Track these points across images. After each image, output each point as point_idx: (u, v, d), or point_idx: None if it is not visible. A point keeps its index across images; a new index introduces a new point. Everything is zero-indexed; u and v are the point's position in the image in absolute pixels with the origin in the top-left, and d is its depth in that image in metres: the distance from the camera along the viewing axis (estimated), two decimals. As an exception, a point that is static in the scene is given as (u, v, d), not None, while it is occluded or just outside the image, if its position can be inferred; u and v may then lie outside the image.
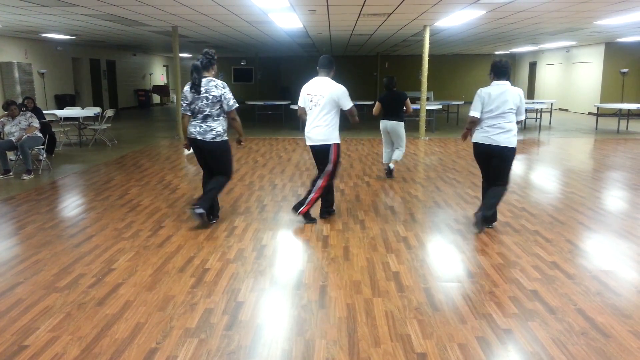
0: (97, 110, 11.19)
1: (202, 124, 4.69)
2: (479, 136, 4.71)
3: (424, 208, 5.66)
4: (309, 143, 4.95)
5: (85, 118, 11.48)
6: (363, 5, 8.76)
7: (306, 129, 4.95)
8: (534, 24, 11.86)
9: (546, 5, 8.82)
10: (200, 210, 4.72)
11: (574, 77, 19.62)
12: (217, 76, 4.79)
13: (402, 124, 7.04)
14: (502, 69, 4.64)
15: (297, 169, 7.92)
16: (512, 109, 4.58)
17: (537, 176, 7.49)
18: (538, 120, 14.07)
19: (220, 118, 4.71)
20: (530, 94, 23.77)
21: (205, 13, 9.66)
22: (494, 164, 4.69)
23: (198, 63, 4.66)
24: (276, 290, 3.47)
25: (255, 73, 26.14)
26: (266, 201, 5.94)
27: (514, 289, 3.48)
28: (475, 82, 25.75)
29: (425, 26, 11.72)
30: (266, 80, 26.07)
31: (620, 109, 13.80)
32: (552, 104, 15.49)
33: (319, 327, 2.96)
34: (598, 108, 14.88)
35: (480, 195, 6.22)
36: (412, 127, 13.44)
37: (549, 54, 21.79)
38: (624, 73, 17.69)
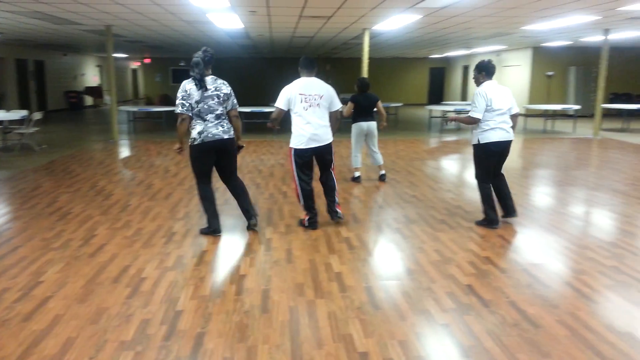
0: (24, 113, 10.55)
1: (221, 123, 4.48)
2: (497, 135, 4.77)
3: (365, 208, 5.74)
4: (313, 145, 4.70)
5: (11, 121, 10.78)
6: (303, 7, 8.79)
7: (307, 131, 4.68)
8: (467, 29, 12.36)
9: (477, 10, 9.22)
10: (255, 221, 4.80)
11: (504, 79, 20.60)
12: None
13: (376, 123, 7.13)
14: (493, 69, 4.85)
15: (239, 172, 7.78)
16: (511, 106, 4.86)
17: (471, 175, 7.78)
18: (472, 121, 14.65)
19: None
20: (463, 96, 24.75)
21: (140, 12, 9.35)
22: (503, 158, 4.97)
23: (199, 59, 4.35)
24: (217, 296, 3.40)
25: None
26: (207, 205, 5.81)
27: (450, 284, 3.60)
28: (413, 84, 26.49)
29: (364, 29, 11.92)
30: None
31: (547, 110, 14.64)
32: (485, 105, 16.15)
33: (261, 332, 2.93)
34: (526, 109, 15.73)
35: (423, 195, 6.38)
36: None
37: (480, 57, 22.75)
38: (549, 76, 18.78)
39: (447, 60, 26.69)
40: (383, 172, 7.28)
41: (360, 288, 3.54)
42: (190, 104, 4.36)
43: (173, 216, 5.36)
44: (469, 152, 10.08)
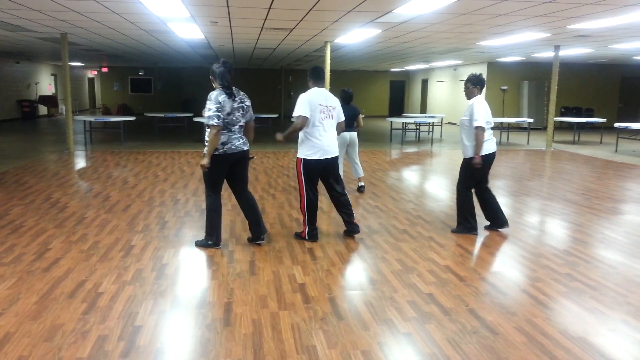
0: (-28, 122, 10.09)
1: (242, 135, 4.46)
2: (490, 146, 4.99)
3: (328, 219, 5.76)
4: (327, 157, 4.69)
5: (-43, 131, 10.28)
6: (265, 19, 8.82)
7: (324, 142, 4.65)
8: (425, 44, 12.69)
9: (435, 26, 9.49)
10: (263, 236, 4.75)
11: (460, 93, 21.19)
12: None
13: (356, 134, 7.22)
14: (485, 83, 5.00)
15: (201, 183, 7.70)
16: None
17: (430, 185, 7.96)
18: (430, 133, 15.01)
19: None
20: (422, 109, 25.32)
21: (97, 20, 9.14)
22: (489, 168, 5.14)
23: (224, 69, 4.30)
24: (178, 311, 3.33)
25: (155, 84, 25.17)
26: (167, 217, 5.70)
27: (412, 294, 3.65)
28: (374, 97, 26.91)
29: (326, 42, 12.05)
30: (166, 92, 25.16)
31: (502, 123, 15.14)
32: (442, 118, 16.63)
33: (223, 346, 2.88)
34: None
35: (385, 205, 6.46)
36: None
37: (438, 71, 23.40)
38: (504, 90, 19.48)
39: (407, 73, 27.28)
40: (362, 184, 7.37)
41: (324, 299, 3.54)
42: (223, 115, 4.27)
43: (132, 229, 5.23)
44: (428, 163, 10.33)
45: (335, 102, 4.82)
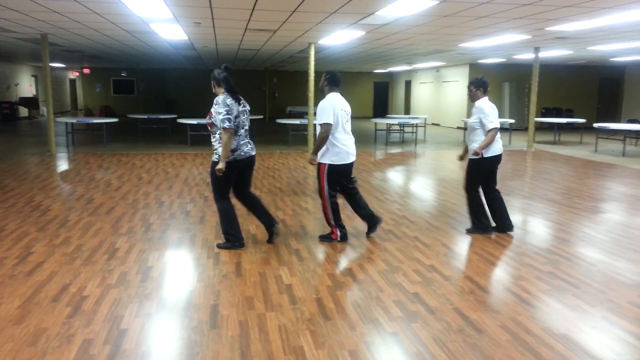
0: (-51, 124, 9.88)
1: (249, 139, 4.48)
2: (499, 147, 5.04)
3: (314, 220, 5.78)
4: (351, 160, 4.78)
5: None
6: (249, 20, 8.80)
7: (349, 146, 4.72)
8: (408, 45, 12.79)
9: (417, 28, 9.57)
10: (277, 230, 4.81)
11: (443, 94, 21.42)
12: None
13: None
14: (488, 85, 5.11)
15: (185, 185, 7.66)
16: None
17: (415, 186, 8.03)
18: (414, 134, 15.13)
19: None
20: (406, 110, 25.49)
21: (78, 20, 9.03)
22: (497, 169, 5.18)
23: (227, 74, 4.33)
24: (164, 313, 3.31)
25: (138, 85, 24.91)
26: (152, 219, 5.66)
27: (397, 293, 3.68)
28: (358, 98, 27.00)
29: (310, 43, 12.07)
30: (149, 93, 24.92)
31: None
32: (425, 119, 16.79)
33: (210, 348, 2.88)
34: (465, 123, 16.39)
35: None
36: (300, 141, 13.71)
37: (421, 73, 23.58)
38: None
39: (391, 75, 27.44)
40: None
41: (311, 299, 3.56)
42: (231, 117, 4.26)
43: (116, 232, 5.18)
44: (412, 164, 10.41)
45: (348, 107, 4.90)
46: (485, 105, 4.99)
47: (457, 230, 5.40)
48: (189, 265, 4.25)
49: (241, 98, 4.47)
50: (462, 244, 4.94)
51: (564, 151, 12.79)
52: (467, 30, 9.92)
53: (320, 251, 4.66)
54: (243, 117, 4.42)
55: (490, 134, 4.94)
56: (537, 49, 13.01)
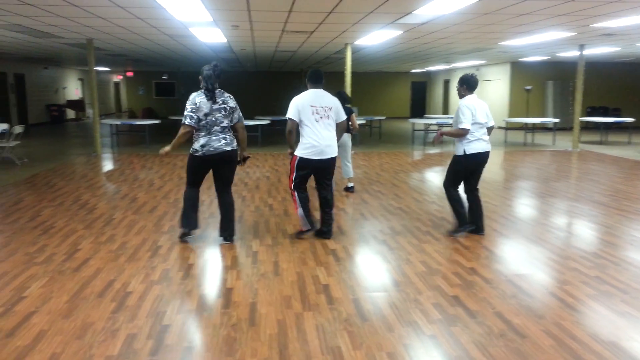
0: (5, 126, 10.39)
1: (224, 136, 4.57)
2: (479, 145, 4.92)
3: (351, 220, 5.77)
4: (322, 157, 4.74)
5: (-10, 135, 10.61)
6: (286, 22, 8.87)
7: (320, 143, 4.70)
8: (447, 44, 12.59)
9: (457, 26, 9.41)
10: (232, 240, 4.88)
11: (484, 93, 20.97)
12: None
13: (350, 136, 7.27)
14: (475, 83, 4.96)
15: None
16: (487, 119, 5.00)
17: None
18: (454, 134, 14.86)
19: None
20: (445, 109, 25.11)
21: (122, 25, 9.33)
22: (482, 169, 5.08)
23: (211, 72, 4.45)
24: (204, 310, 3.38)
25: (178, 87, 25.52)
26: (192, 219, 5.77)
27: (436, 296, 3.63)
28: (395, 98, 26.79)
29: (346, 44, 12.06)
30: (189, 95, 25.41)
31: (526, 123, 14.93)
32: (466, 118, 16.39)
33: (249, 345, 2.92)
34: (506, 122, 16.02)
35: (408, 207, 6.44)
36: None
37: (461, 72, 23.15)
38: (528, 90, 19.19)
39: (429, 74, 27.08)
40: (351, 185, 7.40)
41: (348, 300, 3.55)
42: (198, 116, 4.45)
43: (158, 230, 5.32)
44: (452, 165, 10.23)
45: (331, 102, 4.86)
46: (463, 104, 4.92)
47: (498, 232, 5.28)
48: (227, 263, 4.32)
49: (222, 96, 4.55)
50: (504, 247, 4.82)
51: (611, 152, 12.30)
52: (508, 28, 9.68)
53: (357, 252, 4.65)
54: (219, 115, 4.51)
55: (458, 131, 4.89)
56: (582, 47, 12.56)
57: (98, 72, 24.95)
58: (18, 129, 10.26)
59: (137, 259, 4.39)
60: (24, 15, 8.10)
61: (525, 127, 15.10)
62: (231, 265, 4.28)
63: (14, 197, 6.93)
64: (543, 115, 19.19)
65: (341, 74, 13.26)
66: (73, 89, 24.30)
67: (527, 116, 19.02)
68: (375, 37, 10.99)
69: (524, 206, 6.53)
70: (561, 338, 3.01)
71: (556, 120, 14.97)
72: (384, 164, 10.26)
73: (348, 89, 12.29)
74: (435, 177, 8.76)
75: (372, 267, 4.28)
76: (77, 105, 23.36)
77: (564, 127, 18.05)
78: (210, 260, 4.38)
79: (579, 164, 10.42)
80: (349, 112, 7.06)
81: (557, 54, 15.58)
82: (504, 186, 7.91)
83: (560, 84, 18.83)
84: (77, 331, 3.06)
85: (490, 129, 5.04)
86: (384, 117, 18.23)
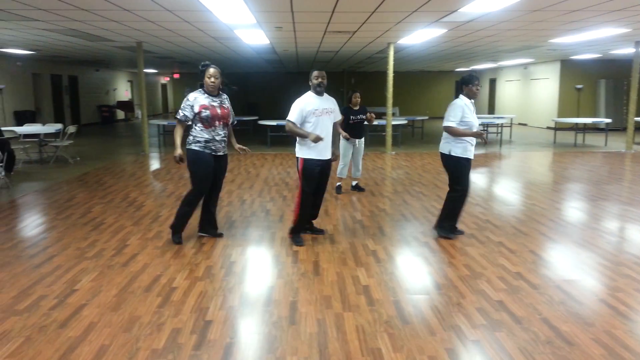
0: (59, 126, 10.90)
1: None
2: (472, 151, 4.88)
3: (392, 221, 5.72)
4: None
5: (46, 135, 11.14)
6: (328, 23, 8.89)
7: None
8: (493, 42, 12.28)
9: (504, 24, 9.16)
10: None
11: (532, 92, 20.33)
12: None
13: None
14: (467, 81, 4.84)
15: (265, 184, 7.89)
16: None
17: (499, 189, 7.69)
18: (499, 134, 14.49)
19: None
20: (490, 109, 24.50)
21: (170, 29, 9.60)
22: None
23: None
24: (245, 307, 3.43)
25: (222, 88, 26.00)
26: (235, 217, 5.88)
27: (480, 300, 3.54)
28: (439, 97, 26.37)
29: (389, 44, 11.96)
30: (233, 96, 25.83)
31: (577, 124, 14.37)
32: (512, 119, 16.01)
33: (289, 343, 2.94)
34: (556, 122, 15.46)
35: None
36: (378, 142, 13.62)
37: (507, 70, 22.55)
38: (579, 89, 18.46)
39: (474, 73, 26.50)
40: (356, 182, 7.45)
41: (388, 302, 3.52)
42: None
43: (202, 228, 5.43)
44: (496, 166, 9.98)
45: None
46: (454, 102, 4.81)
47: (546, 236, 5.11)
48: (268, 261, 4.37)
49: (220, 95, 4.71)
50: (553, 251, 4.65)
51: (669, 153, 11.66)
52: (558, 25, 9.34)
53: (398, 253, 4.60)
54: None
55: (449, 131, 4.77)
56: (637, 43, 11.97)
57: (146, 74, 25.77)
58: (71, 129, 10.74)
59: (182, 255, 4.51)
60: (78, 20, 8.47)
61: (576, 128, 14.53)
62: (272, 263, 4.32)
63: (67, 194, 7.25)
64: (595, 115, 18.41)
65: (383, 74, 13.17)
66: (123, 91, 25.22)
67: (578, 116, 18.30)
68: (419, 36, 10.85)
69: (574, 209, 6.28)
70: (612, 347, 2.88)
71: (608, 120, 14.32)
72: (426, 164, 10.11)
73: (390, 89, 12.20)
74: (479, 179, 8.56)
75: (413, 269, 4.22)
76: (127, 106, 24.22)
77: (617, 128, 17.26)
78: (252, 258, 4.45)
79: (633, 165, 9.94)
80: (364, 111, 7.12)
81: (610, 52, 14.92)
82: (553, 188, 7.64)
83: (614, 83, 18.02)
84: (124, 324, 3.17)
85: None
86: (426, 117, 17.98)
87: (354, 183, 7.45)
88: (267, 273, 4.10)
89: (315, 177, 4.74)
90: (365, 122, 7.11)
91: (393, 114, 13.25)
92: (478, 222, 5.66)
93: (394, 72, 12.26)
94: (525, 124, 20.78)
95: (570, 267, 4.21)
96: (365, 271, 4.12)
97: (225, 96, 4.90)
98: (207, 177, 4.66)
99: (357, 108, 7.03)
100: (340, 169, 7.18)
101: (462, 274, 4.05)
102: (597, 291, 3.70)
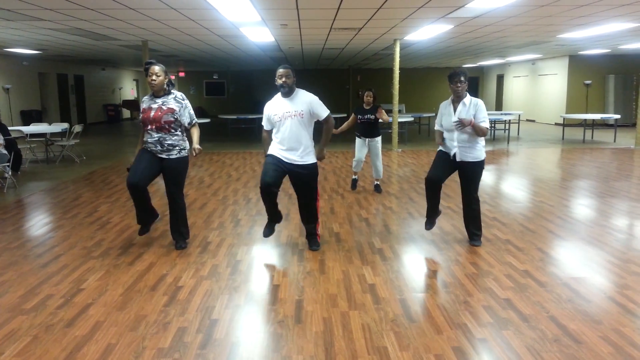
0: (65, 126, 10.95)
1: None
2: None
3: (398, 219, 5.69)
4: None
5: (53, 134, 11.20)
6: (334, 19, 8.86)
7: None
8: (500, 38, 12.19)
9: (511, 19, 9.09)
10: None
11: (540, 88, 20.19)
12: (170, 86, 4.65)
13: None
14: (450, 78, 4.73)
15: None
16: None
17: (507, 186, 7.64)
18: (506, 131, 14.40)
19: None
20: (498, 105, 24.35)
21: (175, 27, 9.60)
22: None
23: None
24: (251, 306, 3.43)
25: (228, 87, 26.04)
26: (240, 215, 5.88)
27: (487, 298, 3.52)
28: (446, 94, 26.17)
29: (395, 40, 11.91)
30: (238, 94, 25.97)
31: (585, 120, 14.26)
32: (519, 115, 15.91)
33: (295, 342, 2.93)
34: (564, 119, 15.33)
35: (457, 206, 6.30)
36: (384, 139, 13.56)
37: (515, 66, 22.39)
38: (587, 85, 18.30)
39: (481, 69, 26.35)
40: (356, 177, 7.40)
41: (395, 300, 3.50)
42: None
43: (207, 226, 5.44)
44: (504, 163, 9.91)
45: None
46: (481, 101, 4.63)
47: (554, 234, 5.06)
48: (274, 260, 4.36)
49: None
50: (560, 249, 4.61)
51: (678, 149, 11.54)
52: (566, 20, 9.26)
53: (404, 251, 4.58)
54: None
55: (486, 130, 4.55)
56: (647, 37, 11.85)
57: (152, 72, 25.84)
58: (77, 128, 10.79)
59: (187, 254, 4.51)
60: (84, 19, 8.49)
61: (584, 124, 14.41)
62: (278, 262, 4.32)
63: (73, 193, 7.28)
64: (603, 111, 18.26)
65: (389, 71, 13.11)
66: (129, 90, 25.30)
67: (586, 112, 18.14)
68: (425, 32, 10.79)
69: (582, 206, 6.23)
70: (621, 345, 2.84)
71: (617, 116, 14.18)
72: (432, 162, 10.05)
73: (396, 86, 12.15)
74: (486, 176, 8.51)
75: (419, 267, 4.20)
76: (133, 105, 24.29)
77: (626, 124, 17.11)
78: (257, 257, 4.44)
79: (643, 162, 9.84)
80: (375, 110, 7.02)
81: (619, 47, 14.77)
82: (561, 185, 7.58)
83: (623, 78, 17.85)
84: (130, 323, 3.18)
85: None
86: (432, 114, 17.91)
87: (375, 183, 7.37)
88: (272, 272, 4.09)
89: (269, 170, 4.23)
90: (380, 121, 7.00)
91: (399, 111, 13.21)
92: (485, 220, 5.62)
93: (400, 68, 12.20)
94: (533, 120, 20.64)
95: (578, 265, 4.17)
96: (371, 269, 4.11)
97: (174, 96, 4.51)
98: (134, 168, 4.69)
99: (368, 107, 6.96)
100: (355, 164, 7.19)
101: (469, 272, 4.02)
102: (605, 289, 3.66)
